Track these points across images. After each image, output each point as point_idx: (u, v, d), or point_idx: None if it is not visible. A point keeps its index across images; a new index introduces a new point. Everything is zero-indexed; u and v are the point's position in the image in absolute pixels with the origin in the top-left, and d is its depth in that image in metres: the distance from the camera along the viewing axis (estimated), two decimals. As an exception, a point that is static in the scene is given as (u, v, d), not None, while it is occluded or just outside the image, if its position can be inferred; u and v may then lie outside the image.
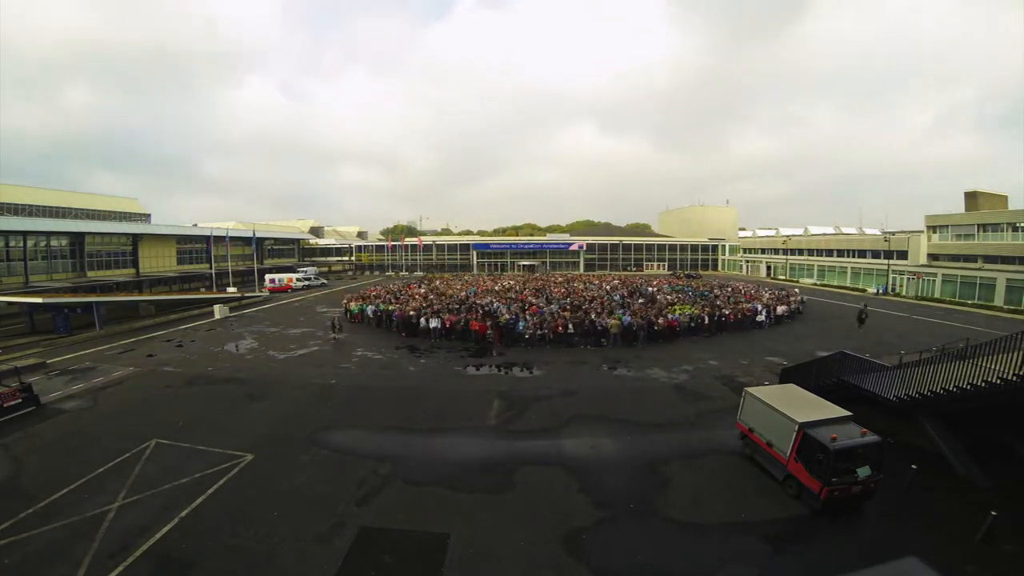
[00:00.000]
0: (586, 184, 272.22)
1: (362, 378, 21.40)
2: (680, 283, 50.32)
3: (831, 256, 64.67)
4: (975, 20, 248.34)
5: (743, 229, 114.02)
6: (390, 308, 32.65)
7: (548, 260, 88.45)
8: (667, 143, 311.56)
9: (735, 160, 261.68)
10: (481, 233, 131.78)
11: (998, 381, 10.62)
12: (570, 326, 26.62)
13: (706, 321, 29.49)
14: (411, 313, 30.41)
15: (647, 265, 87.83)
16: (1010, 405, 11.27)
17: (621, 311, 29.56)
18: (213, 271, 55.21)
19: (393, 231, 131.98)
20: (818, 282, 61.99)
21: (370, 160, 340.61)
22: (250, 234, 62.02)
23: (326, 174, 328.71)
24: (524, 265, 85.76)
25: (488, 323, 27.72)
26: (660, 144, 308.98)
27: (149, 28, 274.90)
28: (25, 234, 40.04)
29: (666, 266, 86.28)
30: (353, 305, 36.05)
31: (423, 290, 42.71)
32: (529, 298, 36.15)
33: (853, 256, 60.65)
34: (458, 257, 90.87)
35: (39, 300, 31.78)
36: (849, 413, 11.81)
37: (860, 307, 34.26)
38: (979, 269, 44.20)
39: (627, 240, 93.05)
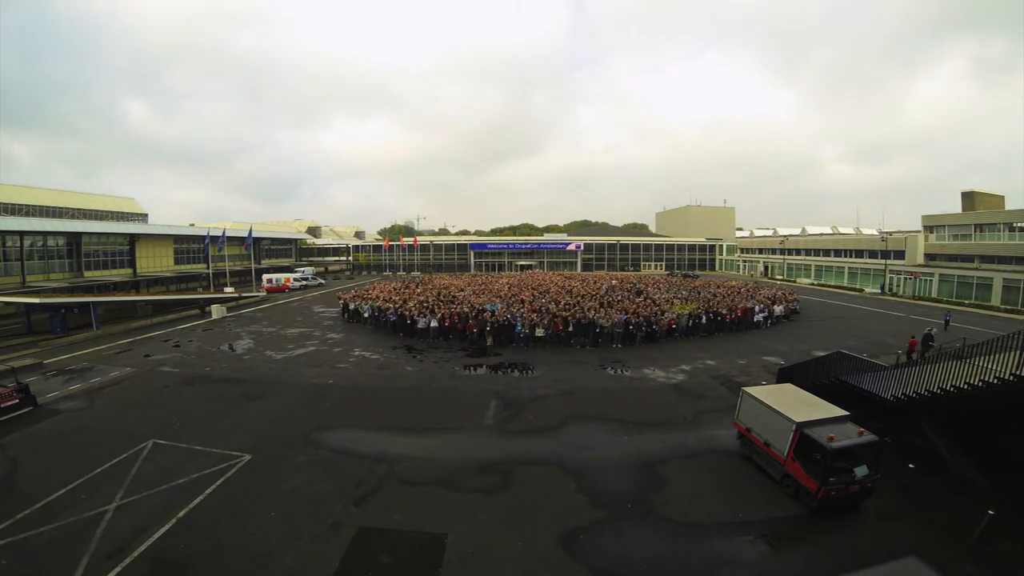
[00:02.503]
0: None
1: (360, 378, 21.37)
2: (677, 283, 50.35)
3: (828, 256, 64.86)
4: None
5: (740, 229, 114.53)
6: (387, 308, 32.61)
7: (545, 260, 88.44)
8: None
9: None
10: (479, 233, 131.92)
11: (995, 381, 10.66)
12: (570, 326, 26.64)
13: (703, 321, 29.56)
14: (408, 313, 30.39)
15: (644, 265, 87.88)
16: (1007, 405, 11.31)
17: (616, 314, 29.54)
18: (210, 271, 55.10)
19: (391, 231, 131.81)
20: (816, 282, 62.15)
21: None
22: (247, 234, 61.78)
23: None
24: (521, 265, 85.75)
25: (478, 321, 27.75)
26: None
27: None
28: (22, 234, 39.91)
29: (663, 266, 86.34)
30: (351, 304, 36.00)
31: (420, 290, 42.64)
32: (525, 297, 36.13)
33: (850, 256, 60.85)
34: (455, 257, 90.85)
35: (36, 300, 31.62)
36: (846, 413, 11.85)
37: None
38: (976, 269, 44.39)
39: (624, 240, 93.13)
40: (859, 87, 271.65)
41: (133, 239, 51.28)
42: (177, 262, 58.43)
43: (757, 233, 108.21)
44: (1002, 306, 39.11)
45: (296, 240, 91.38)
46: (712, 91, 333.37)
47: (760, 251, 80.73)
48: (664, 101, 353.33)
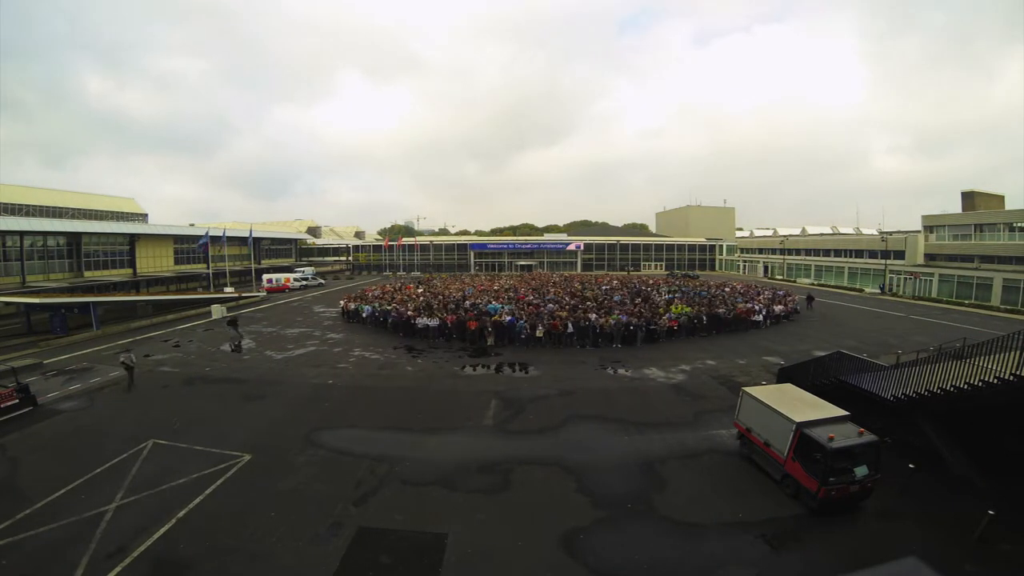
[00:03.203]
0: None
1: (360, 378, 21.37)
2: (677, 283, 50.39)
3: (828, 256, 64.84)
4: None
5: (740, 229, 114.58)
6: (387, 308, 32.62)
7: (545, 260, 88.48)
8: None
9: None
10: (479, 233, 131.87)
11: (995, 381, 10.65)
12: (569, 326, 26.63)
13: (704, 321, 29.54)
14: (409, 313, 30.39)
15: (644, 265, 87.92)
16: (1007, 405, 11.30)
17: (618, 313, 29.55)
18: (210, 271, 55.11)
19: (390, 231, 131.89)
20: (815, 282, 62.12)
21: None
22: (247, 234, 61.90)
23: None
24: (522, 265, 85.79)
25: (478, 321, 27.75)
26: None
27: None
28: (22, 234, 39.90)
29: (663, 266, 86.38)
30: (351, 305, 36.00)
31: (421, 290, 42.69)
32: (528, 297, 36.18)
33: (850, 256, 60.84)
34: (456, 257, 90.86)
35: (36, 300, 31.68)
36: (847, 413, 11.84)
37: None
38: (976, 269, 44.38)
39: (624, 240, 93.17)
40: (940, 69, 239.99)
41: (133, 239, 51.28)
42: (177, 262, 58.45)
43: (757, 233, 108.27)
44: (1002, 306, 39.09)
45: (296, 240, 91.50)
46: (745, 76, 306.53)
47: (760, 251, 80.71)
48: (699, 84, 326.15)
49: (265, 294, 54.11)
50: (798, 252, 70.44)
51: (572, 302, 33.64)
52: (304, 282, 62.17)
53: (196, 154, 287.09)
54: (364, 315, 33.57)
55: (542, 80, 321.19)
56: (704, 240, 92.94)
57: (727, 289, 42.21)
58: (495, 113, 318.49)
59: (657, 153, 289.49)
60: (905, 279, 49.87)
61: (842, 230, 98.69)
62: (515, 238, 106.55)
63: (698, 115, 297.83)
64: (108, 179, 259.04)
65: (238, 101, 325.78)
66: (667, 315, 29.14)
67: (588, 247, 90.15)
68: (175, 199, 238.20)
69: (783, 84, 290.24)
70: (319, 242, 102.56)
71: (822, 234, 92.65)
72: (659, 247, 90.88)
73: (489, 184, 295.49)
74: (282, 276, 60.76)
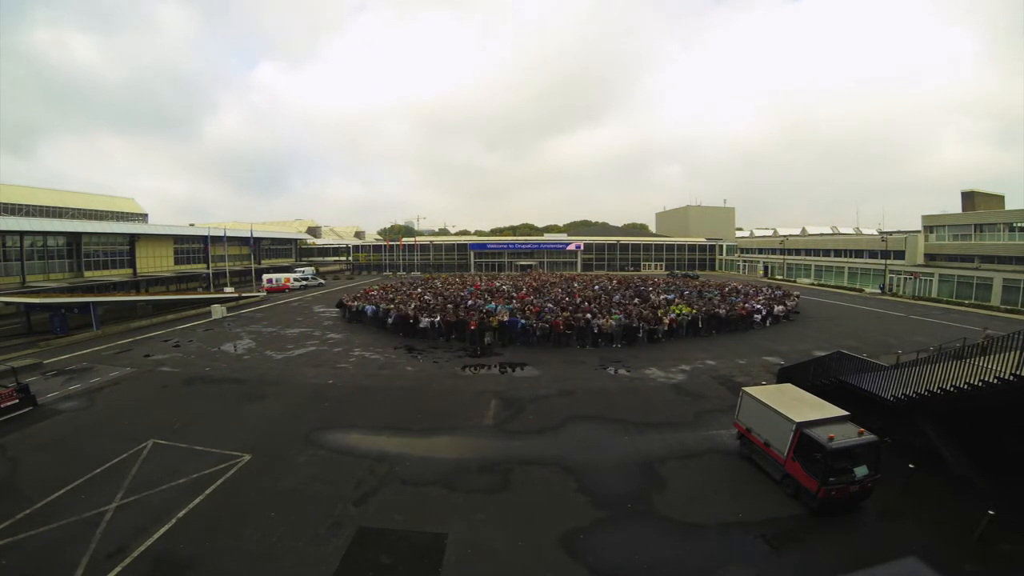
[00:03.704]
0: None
1: (360, 378, 21.36)
2: (677, 283, 50.40)
3: (828, 256, 64.84)
4: None
5: (740, 229, 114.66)
6: (388, 308, 32.58)
7: (545, 260, 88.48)
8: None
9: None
10: (479, 233, 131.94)
11: (995, 381, 10.65)
12: (570, 327, 26.62)
13: (700, 324, 29.48)
14: (409, 313, 30.37)
15: (644, 265, 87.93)
16: (1007, 405, 11.31)
17: (617, 312, 29.53)
18: (210, 271, 55.10)
19: (390, 231, 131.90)
20: (816, 282, 62.14)
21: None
22: (247, 234, 61.98)
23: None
24: (522, 265, 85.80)
25: (479, 321, 27.73)
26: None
27: None
28: (22, 234, 39.92)
29: (663, 266, 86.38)
30: (351, 304, 35.96)
31: (420, 290, 42.69)
32: (528, 297, 36.20)
33: (850, 256, 60.85)
34: (456, 257, 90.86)
35: (36, 300, 31.67)
36: (847, 413, 11.83)
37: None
38: (976, 269, 44.37)
39: (624, 240, 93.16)
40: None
41: (133, 239, 51.29)
42: (177, 262, 58.46)
43: (757, 233, 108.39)
44: (1002, 306, 39.09)
45: (296, 240, 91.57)
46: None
47: (760, 251, 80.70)
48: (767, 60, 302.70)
49: (265, 294, 54.10)
50: (798, 252, 70.44)
51: (572, 304, 33.58)
52: (304, 282, 62.20)
53: (181, 134, 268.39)
54: (369, 314, 33.33)
55: (599, 38, 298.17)
56: (704, 240, 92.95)
57: (726, 289, 42.22)
58: (536, 86, 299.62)
59: (693, 142, 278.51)
60: (905, 279, 49.87)
61: (842, 230, 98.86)
62: (515, 238, 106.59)
63: (755, 100, 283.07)
64: (80, 169, 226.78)
65: (229, 62, 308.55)
66: (668, 315, 29.10)
67: (588, 247, 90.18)
68: (172, 195, 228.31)
69: (832, 63, 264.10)
70: (319, 242, 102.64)
71: (822, 234, 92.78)
72: (659, 247, 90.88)
73: (508, 178, 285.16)
74: (282, 276, 60.76)
